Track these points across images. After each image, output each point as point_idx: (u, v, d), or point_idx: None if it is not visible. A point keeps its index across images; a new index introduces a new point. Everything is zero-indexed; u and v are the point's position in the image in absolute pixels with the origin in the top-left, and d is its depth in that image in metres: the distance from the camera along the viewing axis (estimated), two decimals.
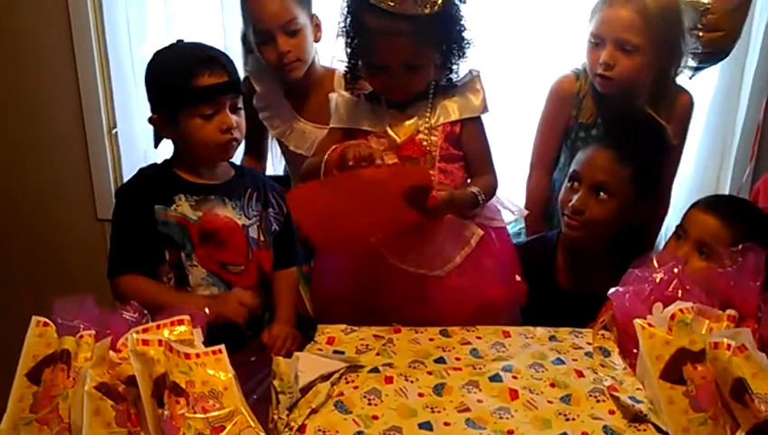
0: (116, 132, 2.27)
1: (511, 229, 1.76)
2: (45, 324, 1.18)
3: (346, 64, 1.54)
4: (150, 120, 1.58)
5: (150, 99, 1.58)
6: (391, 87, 1.50)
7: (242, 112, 1.57)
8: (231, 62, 1.57)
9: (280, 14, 1.82)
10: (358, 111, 1.56)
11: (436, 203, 1.39)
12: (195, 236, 1.52)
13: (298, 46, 1.87)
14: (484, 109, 1.56)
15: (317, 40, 1.96)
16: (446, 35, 1.48)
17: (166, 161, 1.61)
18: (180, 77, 1.49)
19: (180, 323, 1.19)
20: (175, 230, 1.51)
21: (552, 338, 1.37)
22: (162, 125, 1.57)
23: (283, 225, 1.66)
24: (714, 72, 2.13)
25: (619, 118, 1.73)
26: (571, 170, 1.72)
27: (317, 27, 1.94)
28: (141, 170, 1.61)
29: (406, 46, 1.42)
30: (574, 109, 1.87)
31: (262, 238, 1.61)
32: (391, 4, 1.37)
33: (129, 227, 1.53)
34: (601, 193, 1.65)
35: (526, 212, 1.65)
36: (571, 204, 1.67)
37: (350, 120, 1.55)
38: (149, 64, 1.57)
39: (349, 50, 1.51)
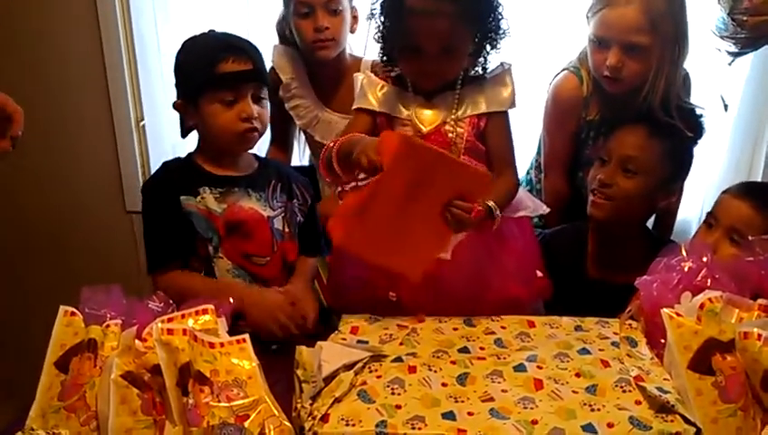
0: (143, 124, 2.30)
1: None
2: (73, 314, 1.19)
3: (380, 47, 1.52)
4: (174, 106, 1.60)
5: (176, 84, 1.60)
6: (425, 72, 1.46)
7: (265, 103, 1.57)
8: (257, 51, 1.58)
9: None
10: (384, 96, 1.53)
11: (478, 215, 1.34)
12: (221, 229, 1.53)
13: (336, 26, 1.89)
14: (512, 104, 1.52)
15: (352, 31, 1.97)
16: (484, 22, 1.45)
17: (189, 154, 1.62)
18: (204, 62, 1.51)
19: (205, 312, 1.21)
20: (200, 222, 1.52)
21: (577, 328, 1.35)
22: (185, 111, 1.58)
23: (306, 216, 1.67)
24: (747, 58, 2.08)
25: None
26: (603, 148, 1.69)
27: (354, 19, 1.97)
28: (165, 164, 1.62)
29: (446, 28, 1.38)
30: (582, 110, 1.83)
31: (287, 230, 1.61)
32: None
33: (160, 220, 1.55)
34: (630, 168, 1.62)
35: (546, 209, 1.60)
36: (598, 177, 1.64)
37: (376, 103, 1.52)
38: (178, 50, 1.60)
39: (384, 32, 1.48)
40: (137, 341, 1.14)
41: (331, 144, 1.41)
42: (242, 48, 1.54)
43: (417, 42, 1.42)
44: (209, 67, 1.50)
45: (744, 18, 1.67)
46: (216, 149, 1.58)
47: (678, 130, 1.68)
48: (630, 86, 1.73)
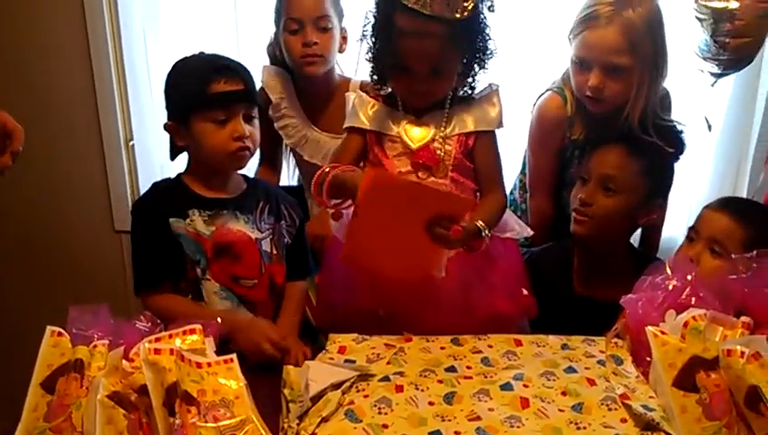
0: (132, 144, 2.30)
1: None
2: (60, 334, 1.19)
3: (371, 66, 1.54)
4: (165, 127, 1.60)
5: (167, 105, 1.60)
6: (415, 91, 1.49)
7: (256, 123, 1.58)
8: (248, 72, 1.59)
9: (315, 7, 1.90)
10: (375, 114, 1.55)
11: (458, 235, 1.36)
12: (209, 251, 1.53)
13: (324, 43, 1.91)
14: (500, 123, 1.55)
15: (341, 51, 1.99)
16: (472, 43, 1.47)
17: (179, 175, 1.62)
18: (196, 82, 1.52)
19: (192, 332, 1.20)
20: (189, 245, 1.52)
21: (564, 346, 1.36)
22: (176, 132, 1.58)
23: (295, 237, 1.67)
24: (730, 78, 2.11)
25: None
26: (583, 166, 1.71)
27: (344, 39, 1.98)
28: (155, 184, 1.62)
29: (435, 49, 1.41)
30: (566, 129, 1.84)
31: (274, 252, 1.61)
32: (423, 5, 1.37)
33: (149, 242, 1.55)
34: (610, 186, 1.64)
35: (531, 232, 1.63)
36: (579, 196, 1.67)
37: (367, 121, 1.54)
38: (169, 71, 1.60)
39: (375, 52, 1.51)
40: (124, 361, 1.14)
41: (327, 169, 1.43)
42: (233, 69, 1.55)
43: (407, 62, 1.44)
44: (201, 87, 1.51)
45: (727, 40, 1.70)
46: (207, 170, 1.58)
47: (657, 148, 1.71)
48: (612, 106, 1.75)
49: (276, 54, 2.02)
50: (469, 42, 1.46)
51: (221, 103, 1.51)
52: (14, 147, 1.41)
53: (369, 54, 1.52)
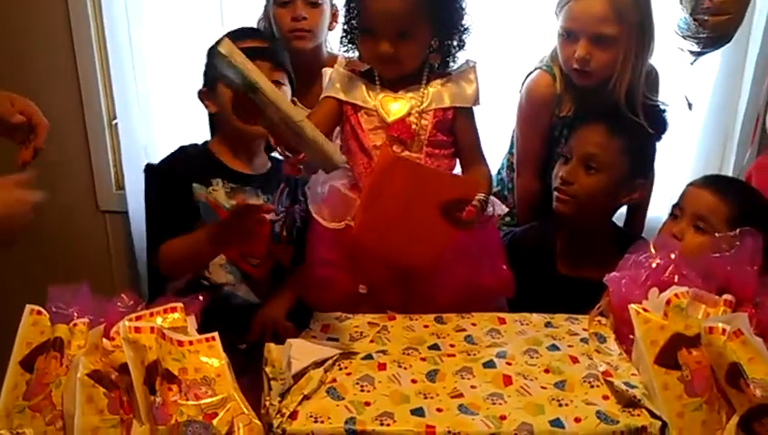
0: (116, 123, 2.27)
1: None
2: (39, 313, 1.18)
3: (343, 29, 1.56)
4: (199, 94, 1.63)
5: (203, 75, 1.64)
6: (381, 56, 1.48)
7: (284, 89, 1.60)
8: (276, 40, 1.66)
9: None
10: (351, 86, 1.56)
11: (472, 216, 1.40)
12: None
13: (314, 18, 1.90)
14: (477, 100, 1.56)
15: (331, 28, 1.98)
16: (443, 14, 1.48)
17: (205, 142, 1.66)
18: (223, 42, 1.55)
19: (173, 310, 1.20)
20: (208, 213, 1.54)
21: (547, 324, 1.36)
22: (207, 98, 1.61)
23: (304, 221, 1.66)
24: (716, 57, 2.11)
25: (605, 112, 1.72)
26: (565, 146, 1.72)
27: (334, 16, 1.97)
28: (182, 148, 1.64)
29: (400, 9, 1.42)
30: (555, 107, 1.84)
31: (284, 234, 1.63)
32: None
33: (170, 203, 1.57)
34: (592, 165, 1.64)
35: (505, 209, 1.64)
36: (560, 175, 1.68)
37: (343, 93, 1.56)
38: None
39: (345, 13, 1.53)
40: (104, 339, 1.13)
41: None
42: (260, 32, 1.65)
43: (373, 23, 1.45)
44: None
45: (706, 18, 1.70)
46: (234, 141, 1.61)
47: (638, 127, 1.71)
48: (600, 78, 1.74)
49: (266, 28, 2.00)
50: (440, 12, 1.47)
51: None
52: (37, 142, 1.36)
53: (344, 18, 1.54)
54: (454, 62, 1.57)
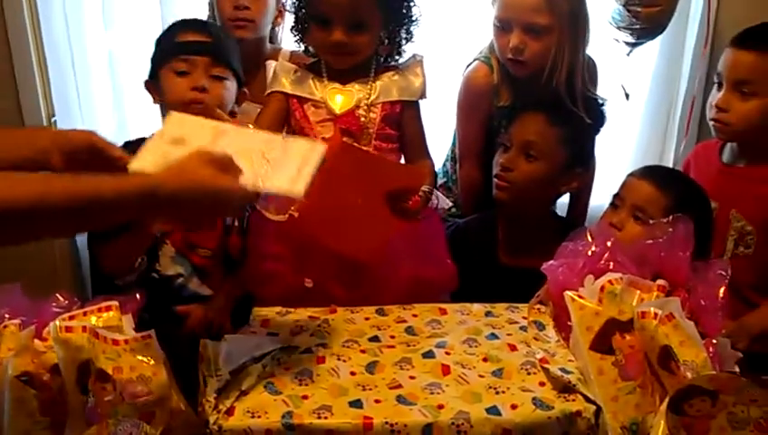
0: (55, 120, 2.22)
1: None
2: None
3: (294, 18, 1.56)
4: (145, 85, 1.61)
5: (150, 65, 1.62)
6: (333, 46, 1.48)
7: (227, 84, 1.57)
8: (221, 32, 1.62)
9: None
10: (297, 78, 1.56)
11: (417, 206, 1.40)
12: None
13: (258, 8, 1.88)
14: (423, 94, 1.58)
15: (276, 24, 1.96)
16: (395, 4, 1.49)
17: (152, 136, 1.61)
18: (167, 34, 1.58)
19: (108, 309, 1.17)
20: None
21: (488, 314, 1.37)
22: (151, 89, 1.59)
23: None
24: (654, 48, 2.15)
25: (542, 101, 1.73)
26: (505, 134, 1.73)
27: (280, 12, 1.96)
28: (126, 144, 1.59)
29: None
30: (493, 97, 1.85)
31: (236, 224, 1.60)
32: None
33: None
34: (531, 153, 1.66)
35: (449, 204, 1.65)
36: (500, 162, 1.69)
37: (290, 86, 1.55)
38: None
39: (297, 2, 1.53)
40: (36, 340, 1.11)
41: None
42: (203, 24, 1.60)
43: (327, 12, 1.45)
44: (170, 38, 1.56)
45: (639, 9, 1.73)
46: None
47: (577, 117, 1.73)
48: (534, 68, 1.75)
49: (209, 16, 1.98)
50: (392, 1, 1.48)
51: (182, 51, 1.52)
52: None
53: (293, 5, 1.54)
54: (402, 54, 1.57)
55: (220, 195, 1.03)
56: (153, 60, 1.60)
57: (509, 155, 1.69)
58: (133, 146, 1.56)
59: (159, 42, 1.60)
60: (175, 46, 1.54)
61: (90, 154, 1.13)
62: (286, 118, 1.56)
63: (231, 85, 1.58)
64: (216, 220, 1.53)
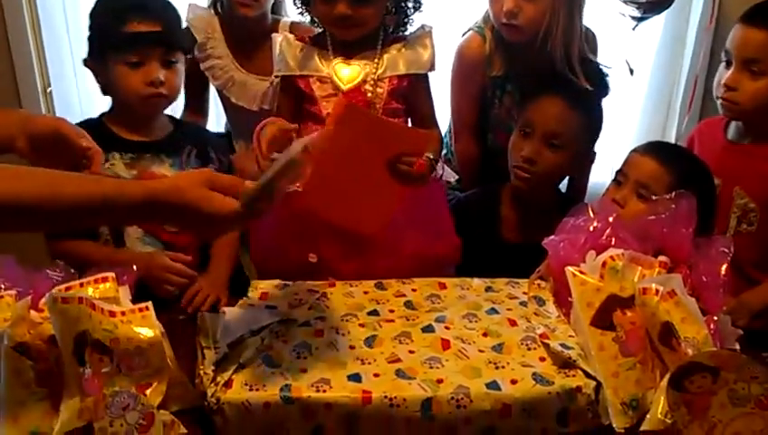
0: (50, 91, 2.20)
1: None
2: None
3: None
4: (85, 63, 1.55)
5: (88, 41, 1.55)
6: (338, 17, 1.45)
7: (177, 68, 1.53)
8: (169, 12, 1.54)
9: None
10: (303, 57, 1.53)
11: (423, 169, 1.37)
12: None
13: None
14: (432, 66, 1.54)
15: None
16: None
17: (101, 115, 1.58)
18: (111, 21, 1.48)
19: (105, 280, 1.17)
20: None
21: (488, 289, 1.36)
22: (95, 71, 1.54)
23: None
24: (659, 23, 2.13)
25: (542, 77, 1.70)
26: (522, 118, 1.68)
27: None
28: (79, 124, 1.56)
29: None
30: (486, 68, 1.82)
31: None
32: None
33: None
34: (555, 142, 1.63)
35: (456, 177, 1.63)
36: (522, 154, 1.64)
37: (297, 68, 1.52)
38: (92, 6, 1.55)
39: None
40: (32, 311, 1.09)
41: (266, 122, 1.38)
42: (151, 8, 1.50)
43: None
44: (115, 27, 1.47)
45: None
46: (129, 112, 1.54)
47: (590, 96, 1.69)
48: (529, 33, 1.71)
49: None
50: None
51: (134, 45, 1.46)
52: (93, 169, 1.22)
53: None
54: (410, 25, 1.55)
55: (209, 217, 1.01)
56: (96, 42, 1.52)
57: (533, 146, 1.63)
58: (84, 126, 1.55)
59: (103, 25, 1.51)
60: (125, 40, 1.46)
61: (55, 141, 1.17)
62: (301, 102, 1.54)
63: (182, 66, 1.55)
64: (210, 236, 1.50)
